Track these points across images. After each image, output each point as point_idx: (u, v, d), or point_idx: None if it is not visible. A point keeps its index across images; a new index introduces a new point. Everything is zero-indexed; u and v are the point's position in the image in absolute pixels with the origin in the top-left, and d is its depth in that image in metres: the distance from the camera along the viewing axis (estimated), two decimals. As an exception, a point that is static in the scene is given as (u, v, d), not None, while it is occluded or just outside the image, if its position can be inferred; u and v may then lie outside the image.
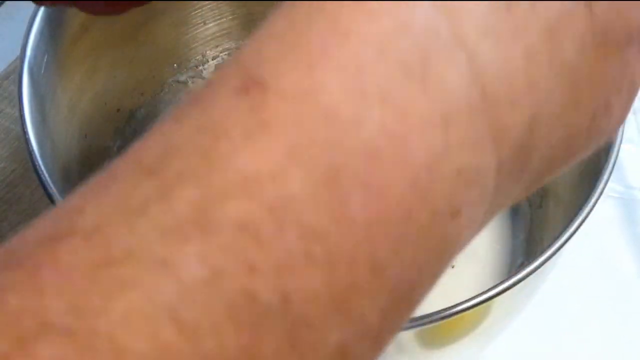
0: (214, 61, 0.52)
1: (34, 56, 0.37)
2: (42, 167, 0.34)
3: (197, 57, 0.51)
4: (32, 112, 0.35)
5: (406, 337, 0.32)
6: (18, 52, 0.37)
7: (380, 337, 0.14)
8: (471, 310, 0.31)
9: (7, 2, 0.58)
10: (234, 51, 0.15)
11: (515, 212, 0.50)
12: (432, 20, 0.14)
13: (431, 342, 0.34)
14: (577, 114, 0.17)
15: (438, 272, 0.15)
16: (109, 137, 0.47)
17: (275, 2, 0.15)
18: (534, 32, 0.15)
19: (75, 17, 0.40)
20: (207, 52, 0.51)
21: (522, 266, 0.32)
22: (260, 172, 0.13)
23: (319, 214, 0.13)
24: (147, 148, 0.13)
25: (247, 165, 0.13)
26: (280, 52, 0.14)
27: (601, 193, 0.35)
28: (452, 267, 0.52)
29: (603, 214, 0.53)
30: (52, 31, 0.38)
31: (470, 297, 0.31)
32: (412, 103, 0.13)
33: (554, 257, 0.32)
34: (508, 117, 0.15)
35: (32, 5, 0.38)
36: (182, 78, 0.51)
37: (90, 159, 0.44)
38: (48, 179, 0.33)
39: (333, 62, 0.13)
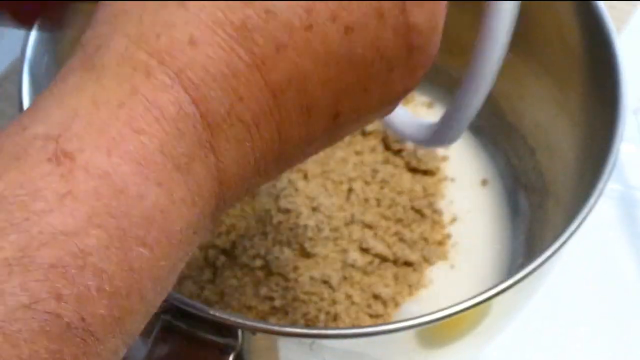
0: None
1: (34, 57, 0.37)
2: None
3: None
4: (32, 112, 0.35)
5: (406, 337, 0.32)
6: (18, 53, 0.37)
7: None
8: (471, 310, 0.31)
9: (7, 2, 0.58)
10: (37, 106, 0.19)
11: (515, 212, 0.50)
12: (186, 110, 0.19)
13: (431, 342, 0.34)
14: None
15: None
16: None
17: None
18: None
19: (76, 17, 0.40)
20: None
21: (522, 266, 0.32)
22: (66, 229, 0.17)
23: (109, 261, 0.17)
24: None
25: (58, 222, 0.17)
26: (87, 134, 0.18)
27: (601, 193, 0.35)
28: (452, 267, 0.52)
29: (603, 214, 0.53)
30: (53, 31, 0.38)
31: (470, 297, 0.31)
32: (177, 188, 0.19)
33: (553, 257, 0.33)
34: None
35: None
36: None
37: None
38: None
39: (126, 151, 0.18)
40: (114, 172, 0.17)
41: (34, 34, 0.37)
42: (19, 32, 0.37)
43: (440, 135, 0.29)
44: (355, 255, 0.44)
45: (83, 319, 0.17)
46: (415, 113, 0.55)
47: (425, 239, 0.47)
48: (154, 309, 0.19)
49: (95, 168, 0.17)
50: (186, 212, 0.19)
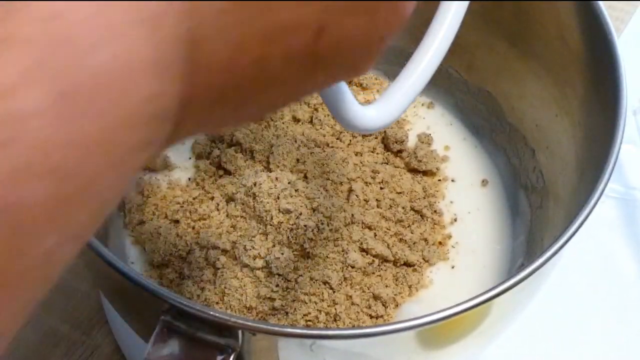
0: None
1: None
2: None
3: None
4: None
5: (406, 337, 0.32)
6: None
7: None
8: (472, 311, 0.31)
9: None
10: None
11: (515, 213, 0.50)
12: None
13: (431, 342, 0.34)
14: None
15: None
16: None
17: None
18: None
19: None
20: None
21: (522, 267, 0.32)
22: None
23: (57, 131, 0.15)
24: None
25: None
26: None
27: (601, 193, 0.35)
28: (452, 267, 0.52)
29: (603, 214, 0.53)
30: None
31: (470, 297, 0.31)
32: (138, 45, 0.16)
33: (554, 258, 0.33)
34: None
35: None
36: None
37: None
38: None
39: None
40: (61, 18, 0.16)
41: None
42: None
43: (375, 119, 0.28)
44: (355, 256, 0.44)
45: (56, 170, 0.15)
46: (415, 113, 0.55)
47: (426, 240, 0.47)
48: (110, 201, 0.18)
49: (42, 14, 0.16)
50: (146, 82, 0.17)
